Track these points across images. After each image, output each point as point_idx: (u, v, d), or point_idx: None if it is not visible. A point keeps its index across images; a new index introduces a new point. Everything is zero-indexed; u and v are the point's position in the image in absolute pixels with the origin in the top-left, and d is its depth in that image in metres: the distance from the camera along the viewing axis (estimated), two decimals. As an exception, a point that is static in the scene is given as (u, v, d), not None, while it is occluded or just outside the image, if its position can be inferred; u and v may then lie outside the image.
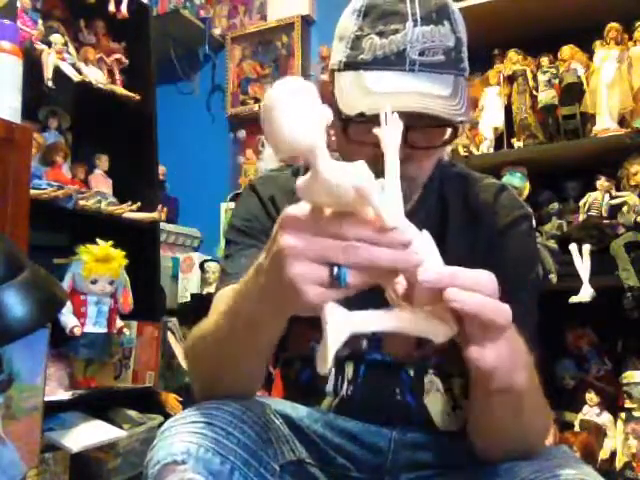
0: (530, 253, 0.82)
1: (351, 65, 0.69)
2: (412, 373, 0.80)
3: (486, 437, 0.68)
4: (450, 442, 0.78)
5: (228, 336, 0.64)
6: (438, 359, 0.80)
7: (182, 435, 0.64)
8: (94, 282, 1.66)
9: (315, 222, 0.48)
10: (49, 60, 1.68)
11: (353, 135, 0.70)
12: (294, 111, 0.43)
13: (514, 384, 0.54)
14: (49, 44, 1.73)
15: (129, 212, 1.87)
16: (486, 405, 0.62)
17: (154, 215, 1.95)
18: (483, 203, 0.81)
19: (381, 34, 0.67)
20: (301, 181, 0.47)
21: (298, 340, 0.82)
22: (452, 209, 0.82)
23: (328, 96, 0.77)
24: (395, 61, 0.66)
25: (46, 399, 1.36)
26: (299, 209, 0.49)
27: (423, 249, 0.49)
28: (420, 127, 0.67)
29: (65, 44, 1.81)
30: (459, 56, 0.70)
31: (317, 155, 0.44)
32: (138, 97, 2.00)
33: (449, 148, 1.90)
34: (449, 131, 0.71)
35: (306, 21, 2.62)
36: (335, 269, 0.47)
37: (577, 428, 1.66)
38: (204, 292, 2.34)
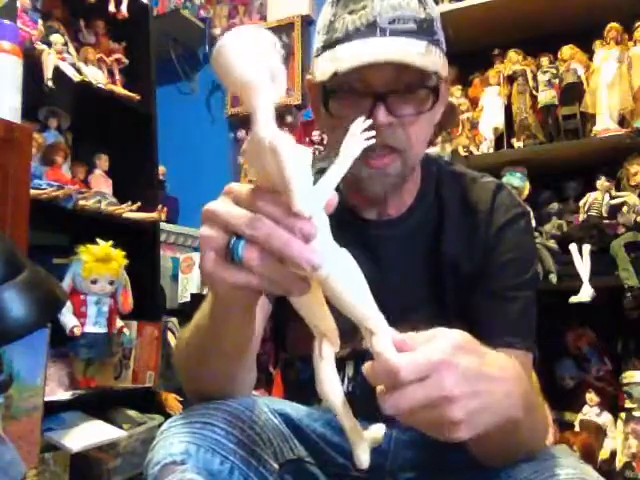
0: (528, 251, 0.81)
1: (326, 46, 0.71)
2: None
3: (482, 456, 0.66)
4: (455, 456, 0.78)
5: (196, 334, 0.66)
6: None
7: (181, 435, 0.64)
8: (94, 282, 1.66)
9: (237, 195, 0.48)
10: (49, 60, 1.67)
11: (333, 110, 0.72)
12: (246, 43, 0.43)
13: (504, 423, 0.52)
14: (49, 44, 1.73)
15: (129, 212, 1.87)
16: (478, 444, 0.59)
17: (154, 215, 1.95)
18: (480, 202, 0.81)
19: (352, 12, 0.69)
20: (246, 141, 0.46)
21: (298, 340, 0.82)
22: (449, 208, 0.81)
23: (313, 93, 0.79)
24: (366, 31, 0.68)
25: (46, 399, 1.36)
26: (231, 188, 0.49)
27: (324, 250, 0.44)
28: (399, 93, 0.68)
29: (65, 44, 1.81)
30: (432, 28, 0.71)
31: (258, 107, 0.42)
32: (138, 97, 2.00)
33: (448, 148, 1.91)
34: (430, 99, 0.71)
35: (306, 21, 2.62)
36: (233, 239, 0.46)
37: (577, 428, 1.66)
38: (204, 292, 2.34)
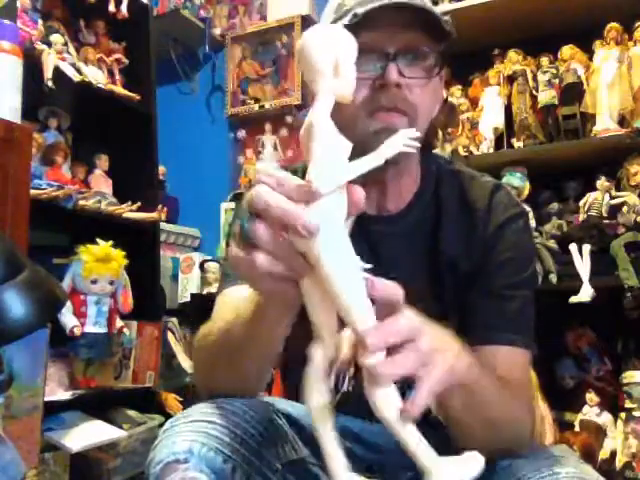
0: (526, 251, 0.81)
1: (338, 18, 0.73)
2: None
3: (457, 436, 0.66)
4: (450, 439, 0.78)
5: (227, 335, 0.65)
6: None
7: (184, 434, 0.64)
8: (94, 282, 1.66)
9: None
10: (49, 60, 1.67)
11: None
12: (319, 38, 0.47)
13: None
14: (49, 44, 1.73)
15: (129, 212, 1.87)
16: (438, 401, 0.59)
17: (154, 215, 1.95)
18: (478, 201, 0.81)
19: None
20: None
21: (297, 340, 0.82)
22: (447, 207, 0.82)
23: None
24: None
25: (46, 399, 1.36)
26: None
27: (325, 221, 0.44)
28: (410, 54, 0.72)
29: (65, 44, 1.81)
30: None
31: (315, 93, 0.46)
32: (138, 97, 2.00)
33: (448, 148, 1.91)
34: (436, 65, 0.74)
35: (306, 21, 2.62)
36: (245, 218, 0.46)
37: (577, 428, 1.66)
38: (204, 292, 2.34)
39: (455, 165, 0.88)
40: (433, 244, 0.80)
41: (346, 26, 0.67)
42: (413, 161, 0.81)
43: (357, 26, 0.67)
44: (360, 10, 0.69)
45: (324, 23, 0.77)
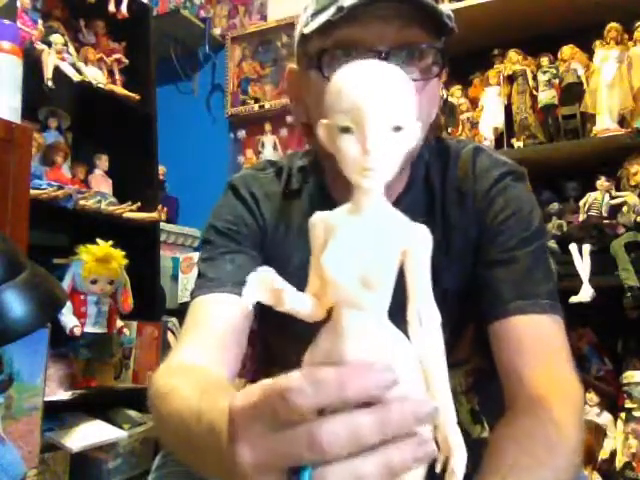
0: (522, 205, 0.74)
1: (320, 10, 0.64)
2: None
3: None
4: None
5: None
6: None
7: (176, 475, 0.62)
8: (94, 282, 1.66)
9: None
10: (49, 60, 1.67)
11: (330, 74, 0.65)
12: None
13: None
14: (49, 44, 1.73)
15: (129, 212, 1.87)
16: None
17: (154, 215, 1.95)
18: (463, 176, 0.76)
19: None
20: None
21: (284, 355, 0.79)
22: (437, 190, 0.77)
23: (293, 77, 0.75)
24: None
25: (46, 399, 1.36)
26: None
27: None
28: (404, 52, 0.63)
29: (65, 44, 1.81)
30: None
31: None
32: (138, 97, 2.00)
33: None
34: (435, 65, 0.66)
35: (306, 21, 2.62)
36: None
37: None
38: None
39: (442, 143, 0.81)
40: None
41: (329, 21, 0.61)
42: (406, 165, 0.75)
43: (342, 20, 0.60)
44: (346, 3, 0.59)
45: (302, 15, 0.68)
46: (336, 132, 0.34)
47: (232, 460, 0.34)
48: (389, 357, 0.33)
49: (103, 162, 1.95)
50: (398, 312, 0.36)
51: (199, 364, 0.64)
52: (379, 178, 0.34)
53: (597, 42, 1.83)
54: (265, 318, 0.77)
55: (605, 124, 1.73)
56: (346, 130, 0.34)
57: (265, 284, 0.36)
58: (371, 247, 0.33)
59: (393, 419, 0.31)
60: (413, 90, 0.35)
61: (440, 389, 0.35)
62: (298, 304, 0.37)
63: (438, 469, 0.35)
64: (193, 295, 0.76)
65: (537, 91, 1.86)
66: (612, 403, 1.67)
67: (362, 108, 0.32)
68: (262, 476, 0.33)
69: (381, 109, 0.32)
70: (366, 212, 0.34)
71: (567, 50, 1.87)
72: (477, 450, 0.51)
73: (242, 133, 2.73)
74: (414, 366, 0.35)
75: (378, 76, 0.33)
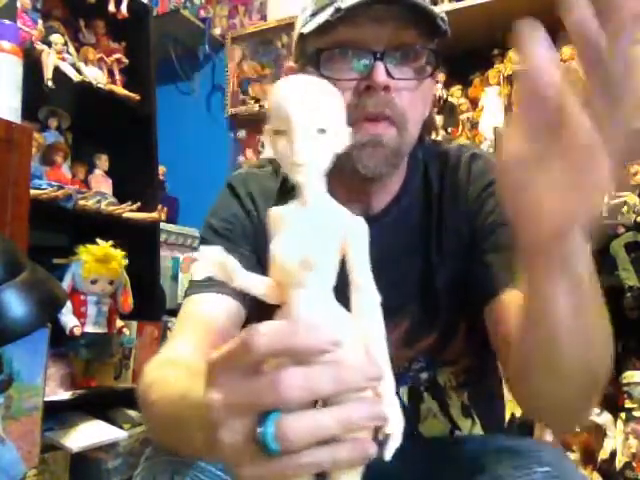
0: None
1: (319, 9, 0.66)
2: (406, 399, 0.78)
3: (547, 354, 0.52)
4: (435, 450, 0.76)
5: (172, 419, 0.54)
6: (427, 359, 0.79)
7: (164, 464, 0.62)
8: (94, 282, 1.66)
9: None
10: (49, 60, 1.67)
11: (327, 73, 0.66)
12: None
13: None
14: (49, 44, 1.73)
15: (129, 212, 1.87)
16: (546, 295, 0.47)
17: (154, 215, 1.95)
18: (460, 181, 0.77)
19: None
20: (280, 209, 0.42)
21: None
22: (434, 193, 0.78)
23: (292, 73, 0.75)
24: None
25: (46, 399, 1.36)
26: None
27: None
28: (399, 53, 0.66)
29: (65, 44, 1.81)
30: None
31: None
32: (138, 97, 2.00)
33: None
34: (429, 65, 0.68)
35: (306, 21, 2.62)
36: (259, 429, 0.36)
37: (577, 428, 1.66)
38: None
39: (440, 146, 0.82)
40: (422, 231, 0.77)
41: (327, 22, 0.64)
42: (400, 167, 0.76)
43: (340, 21, 0.63)
44: (344, 4, 0.62)
45: (300, 15, 0.71)
46: (274, 135, 0.41)
47: (207, 407, 0.38)
48: (335, 327, 0.38)
49: (103, 162, 1.95)
50: (343, 295, 0.41)
51: (186, 357, 0.64)
52: (308, 173, 0.39)
53: (597, 42, 1.83)
54: (263, 318, 0.77)
55: (605, 124, 1.74)
56: (281, 133, 0.40)
57: (216, 260, 0.42)
58: (311, 233, 0.39)
59: (344, 374, 0.36)
60: (340, 100, 0.41)
61: (380, 361, 0.40)
62: (250, 282, 0.42)
63: (381, 436, 0.40)
64: (186, 294, 0.77)
65: (537, 91, 1.86)
66: (612, 403, 1.67)
67: (290, 115, 0.39)
68: (233, 420, 0.37)
69: (305, 115, 0.39)
70: (308, 205, 0.40)
71: (567, 50, 1.87)
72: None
73: (242, 133, 2.73)
74: (357, 337, 0.40)
75: (304, 88, 0.40)
